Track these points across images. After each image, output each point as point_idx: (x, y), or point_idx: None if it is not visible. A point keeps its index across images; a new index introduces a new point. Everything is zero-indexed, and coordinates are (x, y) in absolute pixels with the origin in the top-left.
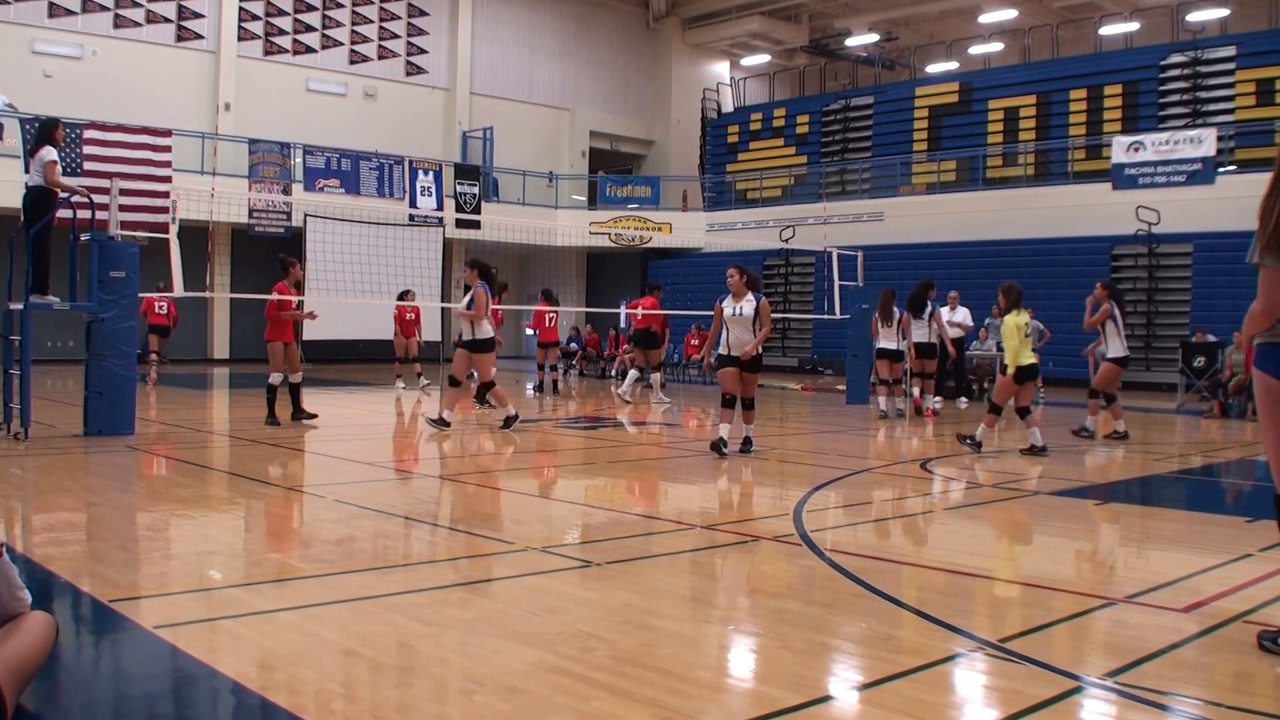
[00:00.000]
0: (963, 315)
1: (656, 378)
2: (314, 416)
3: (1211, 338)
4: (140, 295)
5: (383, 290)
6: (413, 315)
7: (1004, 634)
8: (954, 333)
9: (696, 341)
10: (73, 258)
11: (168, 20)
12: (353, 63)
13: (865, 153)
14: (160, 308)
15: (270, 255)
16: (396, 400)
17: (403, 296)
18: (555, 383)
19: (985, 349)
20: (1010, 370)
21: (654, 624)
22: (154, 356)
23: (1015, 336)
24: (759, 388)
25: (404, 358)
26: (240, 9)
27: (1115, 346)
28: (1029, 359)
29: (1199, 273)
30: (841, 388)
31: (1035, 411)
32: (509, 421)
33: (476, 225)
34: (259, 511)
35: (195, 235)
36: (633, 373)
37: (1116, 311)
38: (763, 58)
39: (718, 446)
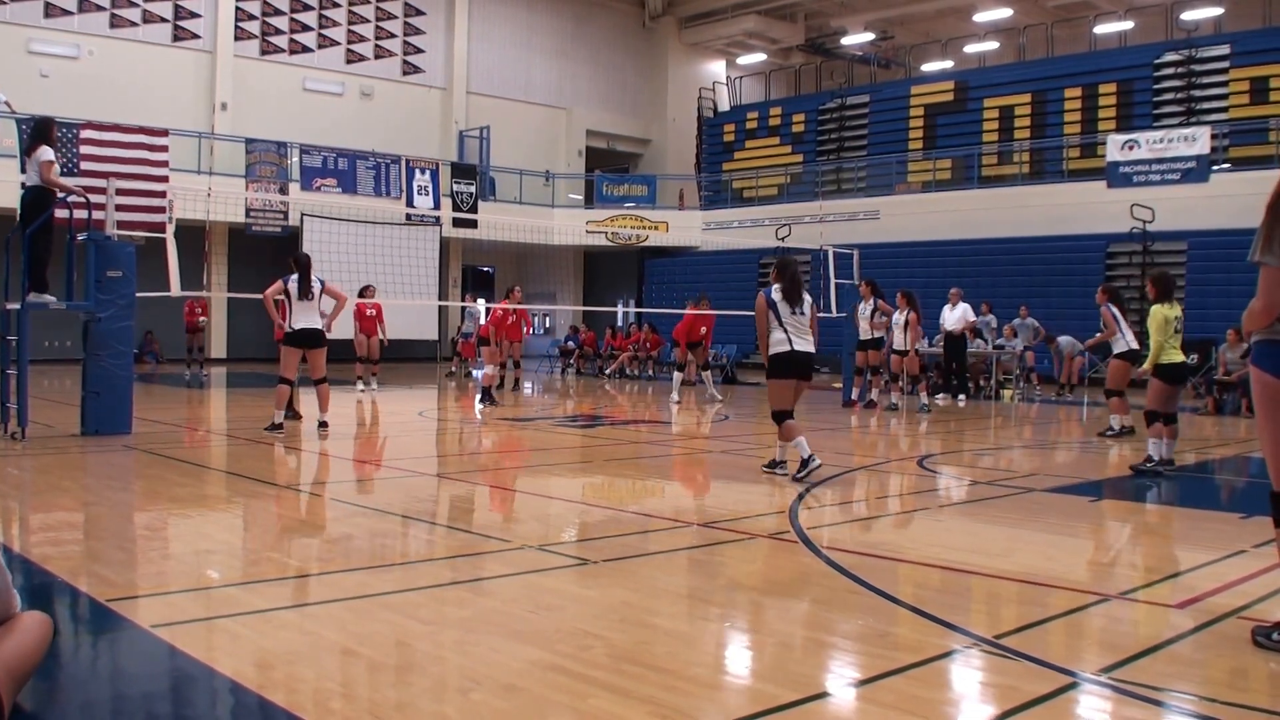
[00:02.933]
0: (962, 312)
1: (707, 376)
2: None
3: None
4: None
5: (381, 289)
6: (373, 312)
7: (1000, 630)
8: (957, 329)
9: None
10: (70, 257)
11: (164, 20)
12: (349, 62)
13: (861, 151)
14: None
15: (267, 254)
16: (368, 402)
17: (362, 293)
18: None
19: (975, 348)
20: (1147, 366)
21: (651, 622)
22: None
23: (1161, 331)
24: (756, 385)
25: (365, 358)
26: (236, 9)
27: None
28: (1176, 357)
29: (1194, 270)
30: (838, 385)
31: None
32: (273, 427)
33: (473, 224)
34: (256, 510)
35: (192, 235)
36: (677, 375)
37: None
38: (759, 57)
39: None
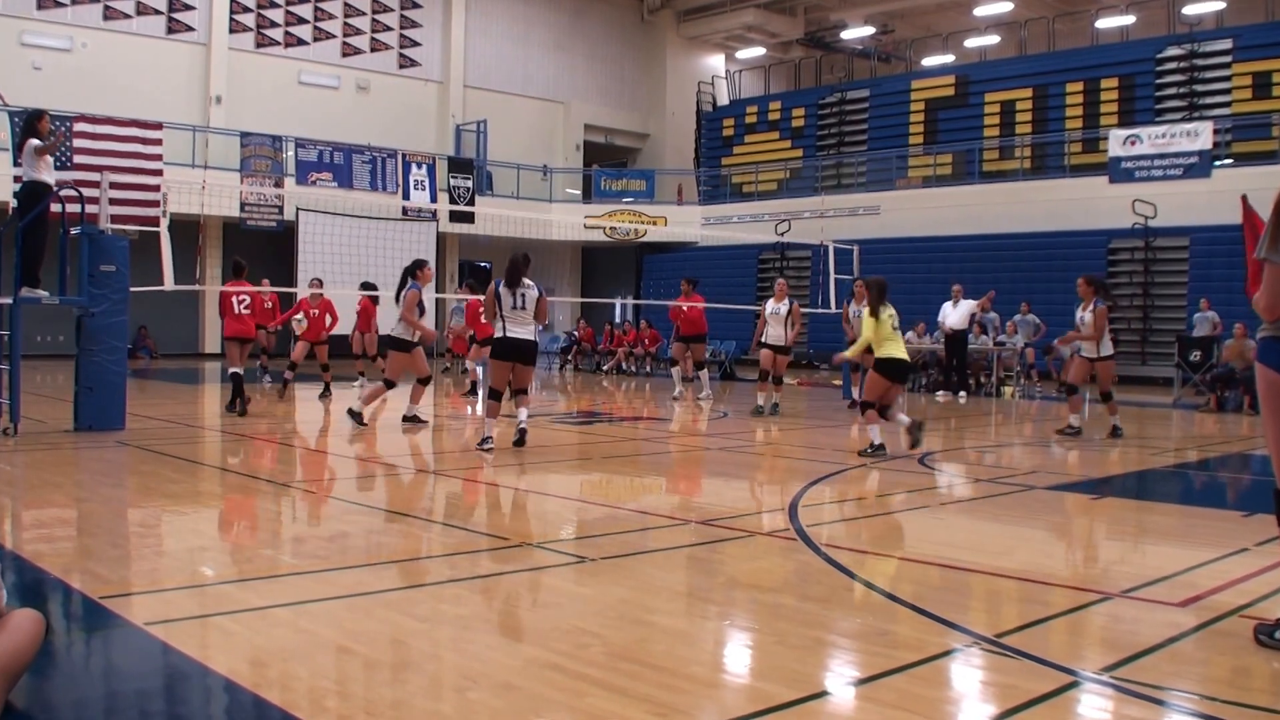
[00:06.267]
0: (966, 308)
1: (703, 374)
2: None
3: (1213, 314)
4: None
5: (377, 285)
6: (360, 307)
7: (1000, 629)
8: (958, 326)
9: None
10: (63, 251)
11: (158, 12)
12: (345, 55)
13: (861, 146)
14: (242, 302)
15: (262, 249)
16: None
17: (365, 288)
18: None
19: (980, 344)
20: (851, 354)
21: (649, 620)
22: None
23: (873, 329)
24: (754, 381)
25: (363, 354)
26: (231, 1)
27: None
28: (898, 353)
29: (1196, 266)
30: (837, 382)
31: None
32: (411, 418)
33: (470, 219)
34: (251, 507)
35: (186, 229)
36: (677, 371)
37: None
38: (758, 51)
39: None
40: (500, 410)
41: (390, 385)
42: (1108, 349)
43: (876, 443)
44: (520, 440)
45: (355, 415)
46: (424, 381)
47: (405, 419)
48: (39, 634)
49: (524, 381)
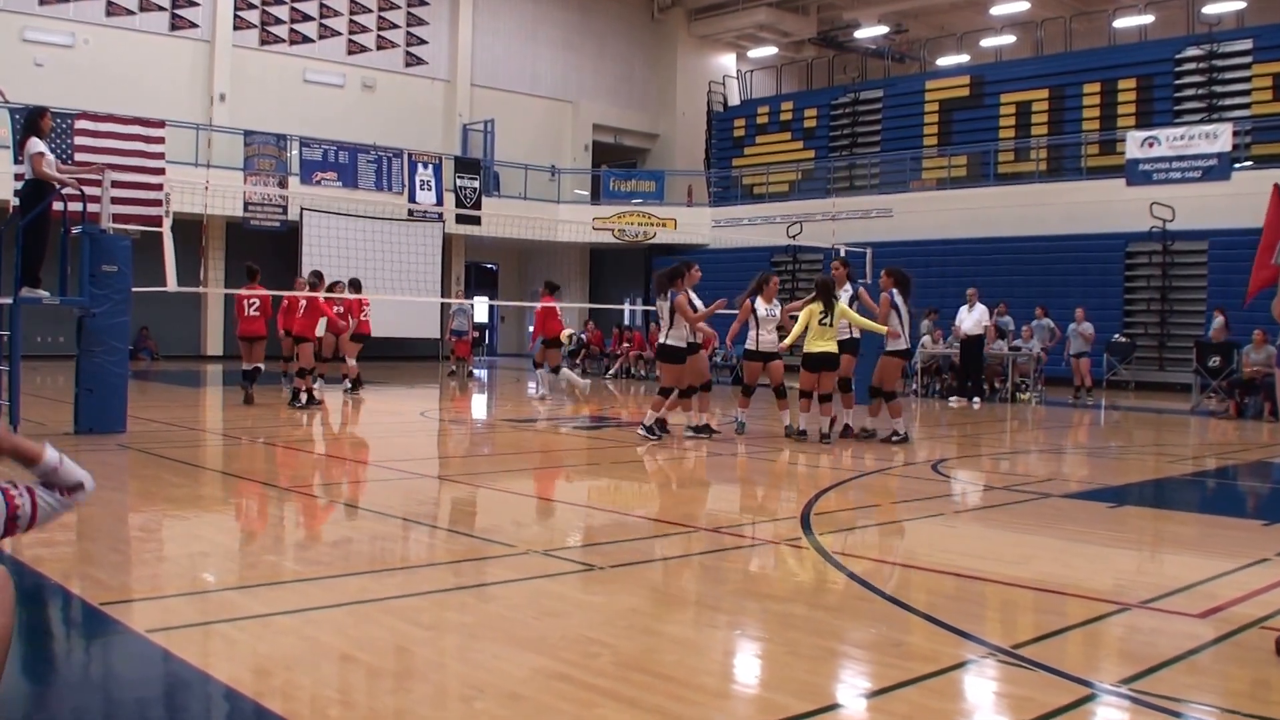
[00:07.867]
0: (980, 313)
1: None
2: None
3: (1221, 320)
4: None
5: (381, 286)
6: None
7: (1016, 640)
8: (973, 331)
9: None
10: (64, 251)
11: (161, 8)
12: (351, 53)
13: (874, 147)
14: (252, 305)
15: (265, 249)
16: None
17: (332, 288)
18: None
19: (996, 349)
20: (785, 344)
21: (658, 629)
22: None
23: (803, 324)
24: (764, 386)
25: (331, 357)
26: None
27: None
28: (816, 348)
29: (1215, 270)
30: None
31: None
32: (701, 429)
33: (477, 220)
34: (254, 512)
35: (189, 229)
36: (540, 372)
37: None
38: (770, 50)
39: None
40: (687, 405)
41: (667, 394)
42: (895, 345)
43: (800, 428)
44: (652, 432)
45: (649, 429)
46: (706, 387)
47: (693, 430)
48: (7, 588)
49: (665, 381)
